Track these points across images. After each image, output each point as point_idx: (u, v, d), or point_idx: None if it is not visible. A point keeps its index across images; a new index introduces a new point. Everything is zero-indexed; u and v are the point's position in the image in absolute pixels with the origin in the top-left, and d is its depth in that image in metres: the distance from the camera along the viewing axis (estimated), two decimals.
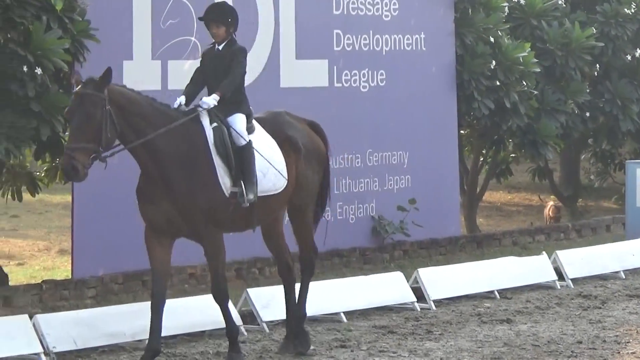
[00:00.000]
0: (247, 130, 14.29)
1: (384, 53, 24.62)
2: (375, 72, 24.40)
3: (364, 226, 24.22)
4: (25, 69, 19.93)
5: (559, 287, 21.90)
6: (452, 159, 26.37)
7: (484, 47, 26.02)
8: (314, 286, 18.60)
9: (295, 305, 16.07)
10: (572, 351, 16.76)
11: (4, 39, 20.01)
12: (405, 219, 24.23)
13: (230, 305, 15.17)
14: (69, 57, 19.82)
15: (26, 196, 23.76)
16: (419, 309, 19.68)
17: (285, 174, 14.55)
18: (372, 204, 24.40)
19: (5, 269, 22.32)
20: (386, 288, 20.09)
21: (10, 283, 21.69)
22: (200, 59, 15.08)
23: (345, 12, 23.88)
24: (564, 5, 27.73)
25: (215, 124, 13.75)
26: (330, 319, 18.99)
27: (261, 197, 14.39)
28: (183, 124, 13.46)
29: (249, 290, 19.00)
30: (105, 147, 12.94)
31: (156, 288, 14.01)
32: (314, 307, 18.47)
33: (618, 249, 24.08)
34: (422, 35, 25.27)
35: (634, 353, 16.54)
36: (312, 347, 15.89)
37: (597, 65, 27.96)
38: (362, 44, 24.37)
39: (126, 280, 21.48)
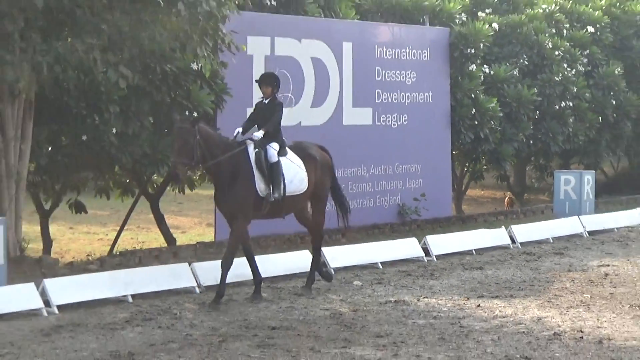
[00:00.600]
0: (281, 153, 15.32)
1: (406, 104, 24.63)
2: (401, 116, 24.48)
3: (393, 210, 24.51)
4: (187, 113, 19.84)
5: (512, 247, 22.33)
6: (447, 169, 26.32)
7: (468, 100, 26.24)
8: (363, 246, 20.35)
9: (317, 258, 16.95)
10: (520, 287, 17.52)
11: (174, 95, 19.69)
12: (418, 206, 24.58)
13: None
14: (213, 106, 20.13)
15: (187, 191, 23.65)
16: (426, 261, 20.29)
17: (307, 181, 15.59)
18: (398, 196, 24.49)
19: (174, 236, 23.33)
20: (406, 248, 20.71)
21: (177, 244, 22.52)
22: (255, 107, 16.17)
23: (383, 79, 23.97)
24: (517, 75, 27.81)
25: (257, 150, 14.80)
26: (371, 267, 19.38)
27: (289, 196, 15.52)
28: (238, 151, 14.75)
29: None
30: (195, 163, 14.22)
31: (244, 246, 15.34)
32: (362, 259, 19.58)
33: (549, 224, 24.52)
34: (430, 94, 25.14)
35: (557, 288, 17.26)
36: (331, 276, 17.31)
37: (537, 112, 28.22)
38: (392, 98, 24.28)
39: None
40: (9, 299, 14.91)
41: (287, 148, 15.48)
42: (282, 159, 15.20)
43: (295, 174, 15.19)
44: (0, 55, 15.99)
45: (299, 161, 15.41)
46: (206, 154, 13.97)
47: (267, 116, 15.11)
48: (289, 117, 21.69)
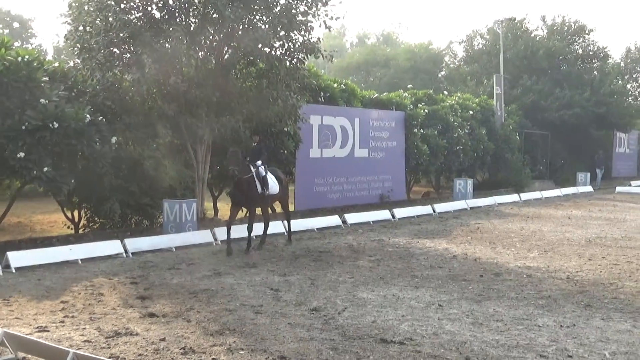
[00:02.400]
0: (265, 171, 13.92)
1: (384, 147, 24.00)
2: (381, 152, 23.80)
3: (376, 197, 23.51)
4: (282, 151, 19.69)
5: (434, 214, 21.10)
6: (403, 178, 25.16)
7: (412, 146, 25.06)
8: (362, 214, 19.57)
9: (289, 230, 15.42)
10: (437, 233, 17.06)
11: (275, 143, 19.03)
12: (389, 195, 23.84)
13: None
14: (293, 148, 19.72)
15: None
16: (393, 220, 19.44)
17: (277, 188, 14.14)
18: (379, 190, 23.70)
19: None
20: (383, 214, 19.75)
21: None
22: (252, 149, 14.05)
23: (373, 134, 23.48)
24: (436, 134, 26.27)
25: (256, 170, 13.50)
26: (367, 223, 18.55)
27: (272, 195, 14.05)
28: (253, 171, 13.60)
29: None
30: (239, 172, 12.99)
31: (229, 224, 13.55)
32: (362, 218, 18.88)
33: (451, 204, 23.06)
34: (395, 142, 24.46)
35: (454, 233, 16.83)
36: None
37: (446, 151, 26.64)
38: (378, 144, 23.77)
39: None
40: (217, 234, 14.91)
41: (267, 170, 14.14)
42: (268, 175, 14.03)
43: (273, 183, 14.02)
44: (196, 124, 16.15)
45: (274, 177, 14.18)
46: (242, 168, 13.12)
47: (258, 152, 13.86)
48: (330, 152, 21.96)
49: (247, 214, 14.72)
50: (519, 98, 36.56)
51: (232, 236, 13.49)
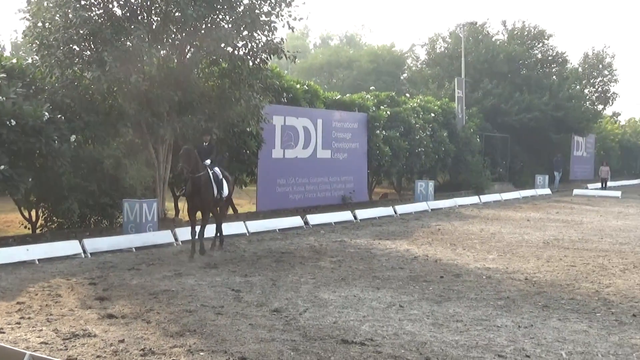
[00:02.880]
0: (222, 174, 13.49)
1: (347, 148, 24.06)
2: (344, 154, 23.82)
3: (339, 198, 23.57)
4: (244, 151, 19.66)
5: (395, 216, 21.10)
6: (365, 179, 25.46)
7: (375, 147, 25.12)
8: (324, 215, 19.48)
9: (221, 233, 14.09)
10: (398, 234, 17.03)
11: (238, 143, 18.98)
12: (351, 196, 23.89)
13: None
14: (256, 148, 19.67)
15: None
16: (354, 221, 19.48)
17: (228, 191, 13.59)
18: (342, 191, 23.67)
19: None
20: (345, 215, 19.73)
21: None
22: (198, 147, 13.20)
23: (335, 136, 23.61)
24: (399, 135, 26.28)
25: (211, 171, 12.91)
26: (329, 224, 18.51)
27: (225, 197, 13.59)
28: (206, 170, 12.79)
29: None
30: (191, 171, 12.23)
31: (192, 227, 12.76)
32: (324, 219, 18.83)
33: (413, 205, 23.32)
34: (358, 144, 24.58)
35: (416, 235, 16.80)
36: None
37: (407, 153, 26.82)
38: (340, 145, 23.86)
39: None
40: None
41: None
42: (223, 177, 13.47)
43: (226, 186, 13.48)
44: (157, 123, 16.00)
45: (223, 178, 13.49)
46: (195, 167, 12.32)
47: (208, 152, 13.15)
48: (293, 153, 21.91)
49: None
50: (480, 101, 37.06)
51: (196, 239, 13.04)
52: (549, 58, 42.18)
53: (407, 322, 8.20)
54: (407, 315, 8.56)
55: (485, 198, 28.17)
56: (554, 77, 41.39)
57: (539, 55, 42.08)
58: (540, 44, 42.22)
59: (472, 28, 40.05)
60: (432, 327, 8.01)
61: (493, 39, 41.62)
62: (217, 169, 13.23)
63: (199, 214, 13.28)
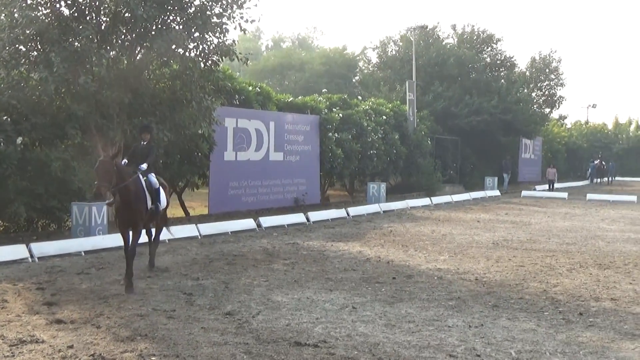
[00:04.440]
0: (158, 180, 11.32)
1: (299, 150, 23.99)
2: (296, 156, 23.73)
3: (291, 200, 23.41)
4: (196, 153, 19.99)
5: (347, 218, 21.12)
6: (317, 181, 25.25)
7: (327, 150, 25.17)
8: (277, 217, 19.34)
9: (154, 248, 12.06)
10: (350, 236, 17.10)
11: (189, 145, 18.59)
12: (303, 198, 23.88)
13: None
14: (207, 150, 19.53)
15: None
16: (307, 224, 19.37)
17: (166, 201, 11.67)
18: (294, 193, 23.61)
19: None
20: (297, 217, 19.63)
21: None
22: (134, 147, 11.37)
23: (288, 138, 23.49)
24: (351, 138, 26.49)
25: (145, 178, 10.67)
26: (281, 227, 18.51)
27: (163, 209, 11.47)
28: (135, 177, 10.35)
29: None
30: (112, 185, 9.71)
31: (125, 244, 10.33)
32: (276, 222, 18.70)
33: (365, 207, 23.28)
34: (310, 146, 24.40)
35: (368, 237, 17.04)
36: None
37: (360, 155, 27.02)
38: (292, 148, 23.67)
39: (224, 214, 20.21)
40: None
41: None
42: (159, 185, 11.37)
43: (163, 196, 11.36)
44: (107, 125, 15.78)
45: (161, 187, 11.49)
46: (118, 179, 9.83)
47: (145, 154, 11.02)
48: (245, 155, 21.82)
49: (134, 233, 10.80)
50: (431, 104, 37.50)
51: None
52: (498, 62, 43.01)
53: (360, 323, 8.23)
54: (360, 316, 8.59)
55: (437, 200, 28.48)
56: (502, 80, 42.15)
57: (488, 59, 42.85)
58: (489, 48, 43.04)
59: (423, 32, 40.45)
60: (385, 328, 8.05)
61: (443, 43, 42.19)
62: (152, 176, 11.18)
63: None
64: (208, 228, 16.81)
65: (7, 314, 8.40)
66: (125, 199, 10.22)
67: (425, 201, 27.73)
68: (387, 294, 10.11)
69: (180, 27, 16.02)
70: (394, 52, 42.85)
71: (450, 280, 11.30)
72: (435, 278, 11.49)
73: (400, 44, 42.36)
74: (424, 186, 32.00)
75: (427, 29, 40.97)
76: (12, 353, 6.76)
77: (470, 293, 10.28)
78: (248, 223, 18.18)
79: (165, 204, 11.78)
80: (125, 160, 10.92)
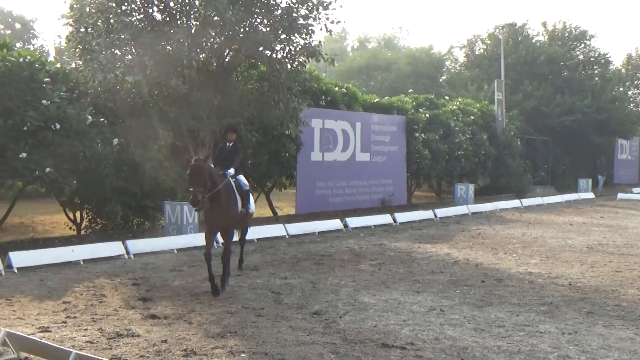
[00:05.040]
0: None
1: (385, 151, 24.08)
2: (383, 157, 23.87)
3: (377, 201, 23.61)
4: (283, 154, 19.96)
5: (435, 219, 20.99)
6: (403, 182, 25.40)
7: (414, 150, 25.12)
8: (364, 218, 19.38)
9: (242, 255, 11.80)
10: (438, 238, 16.98)
11: (277, 146, 19.16)
12: (390, 199, 23.99)
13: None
14: (295, 151, 19.83)
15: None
16: (394, 225, 19.38)
17: (253, 205, 11.34)
18: (380, 194, 23.73)
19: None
20: (384, 218, 19.62)
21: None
22: (220, 148, 10.89)
23: (374, 139, 23.66)
24: (438, 138, 26.46)
25: (233, 180, 10.15)
26: (368, 227, 18.62)
27: (251, 212, 11.20)
28: (226, 181, 9.91)
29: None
30: (207, 190, 9.26)
31: (209, 251, 9.66)
32: (364, 222, 18.80)
33: (453, 208, 23.17)
34: (397, 147, 24.55)
35: (456, 239, 16.92)
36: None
37: (447, 156, 26.80)
38: (379, 148, 23.85)
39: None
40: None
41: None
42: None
43: (251, 199, 11.14)
44: (197, 126, 16.16)
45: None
46: (211, 183, 9.43)
47: (232, 155, 10.52)
48: (332, 156, 21.97)
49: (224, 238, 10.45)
50: (520, 103, 36.63)
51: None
52: (591, 59, 41.47)
53: (448, 326, 8.11)
54: (448, 319, 8.47)
55: (527, 202, 27.84)
56: (596, 78, 40.69)
57: (581, 57, 41.39)
58: (582, 45, 41.56)
59: (512, 29, 39.59)
60: (474, 332, 7.91)
61: (533, 40, 41.08)
62: (241, 178, 10.80)
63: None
64: (295, 228, 17.00)
65: (105, 308, 8.73)
66: (217, 203, 9.69)
67: (515, 203, 27.10)
68: (475, 297, 9.94)
69: (267, 29, 16.24)
70: (481, 51, 42.12)
71: (542, 285, 10.99)
72: (526, 282, 11.22)
73: (488, 42, 41.57)
74: (514, 188, 31.28)
75: (516, 27, 40.07)
76: (109, 345, 7.00)
77: (564, 298, 9.95)
78: (335, 223, 18.28)
79: (253, 207, 11.42)
80: (210, 162, 10.24)
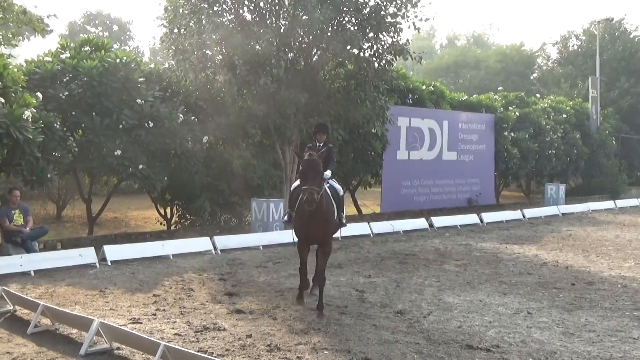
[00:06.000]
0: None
1: (472, 150, 23.67)
2: (470, 155, 23.43)
3: (464, 200, 23.13)
4: (369, 152, 20.00)
5: (523, 219, 20.62)
6: (492, 181, 24.87)
7: (502, 149, 24.58)
8: (449, 217, 19.16)
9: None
10: (526, 239, 16.64)
11: (363, 144, 19.19)
12: (477, 198, 23.47)
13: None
14: (381, 150, 19.82)
15: None
16: (480, 225, 19.11)
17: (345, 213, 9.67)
18: (467, 193, 23.29)
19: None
20: (470, 218, 19.34)
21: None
22: (309, 151, 8.82)
23: (462, 138, 23.27)
24: (527, 137, 25.85)
25: (328, 184, 8.76)
26: (454, 227, 18.40)
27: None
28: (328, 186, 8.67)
29: None
30: (322, 190, 8.29)
31: (304, 264, 8.93)
32: (449, 222, 18.62)
33: (542, 209, 22.54)
34: (485, 145, 24.11)
35: (545, 240, 16.48)
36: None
37: (537, 155, 26.21)
38: (466, 147, 23.47)
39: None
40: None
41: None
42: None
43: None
44: (284, 124, 16.36)
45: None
46: (320, 187, 8.29)
47: (326, 158, 8.81)
48: (418, 154, 21.82)
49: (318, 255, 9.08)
50: (616, 101, 35.39)
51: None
52: None
53: (536, 329, 7.95)
54: (535, 322, 8.30)
55: (621, 203, 26.90)
56: None
57: None
58: None
59: (608, 24, 38.28)
60: (563, 336, 7.71)
61: (631, 36, 39.57)
62: (335, 182, 9.48)
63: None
64: (380, 227, 16.97)
65: (193, 302, 8.95)
66: (315, 211, 8.30)
67: (608, 204, 26.22)
68: (565, 300, 9.69)
69: (355, 27, 16.23)
70: (575, 47, 40.92)
71: (636, 289, 10.60)
72: (619, 286, 10.86)
73: (583, 38, 40.34)
74: (608, 188, 30.24)
75: (613, 22, 38.74)
76: (197, 339, 7.18)
77: None
78: (420, 222, 18.16)
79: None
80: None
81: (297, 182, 8.89)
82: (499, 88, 33.17)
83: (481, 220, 19.74)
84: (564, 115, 29.18)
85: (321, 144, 9.36)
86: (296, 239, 9.10)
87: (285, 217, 9.40)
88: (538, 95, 33.11)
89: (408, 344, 7.15)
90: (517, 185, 30.95)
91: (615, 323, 8.37)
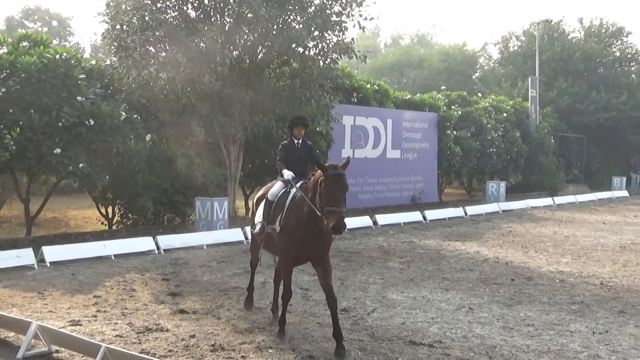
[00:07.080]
0: None
1: (416, 148, 24.01)
2: (414, 154, 23.75)
3: (408, 198, 23.35)
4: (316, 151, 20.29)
5: (465, 217, 20.93)
6: (435, 179, 25.12)
7: (445, 148, 24.85)
8: (393, 215, 19.33)
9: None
10: (468, 236, 16.86)
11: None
12: (420, 196, 23.73)
13: None
14: (325, 148, 19.47)
15: None
16: (424, 222, 19.31)
17: None
18: (411, 191, 23.48)
19: None
20: (414, 216, 19.54)
21: None
22: (285, 148, 7.92)
23: (405, 136, 23.59)
24: (469, 135, 26.19)
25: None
26: (397, 225, 18.52)
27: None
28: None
29: None
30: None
31: (289, 285, 7.29)
32: (393, 219, 18.72)
33: (483, 206, 22.95)
34: (428, 144, 24.42)
35: (486, 236, 16.65)
36: None
37: (479, 153, 26.42)
38: (410, 145, 23.73)
39: None
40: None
41: None
42: None
43: None
44: (229, 122, 16.26)
45: None
46: None
47: (304, 156, 7.92)
48: (362, 153, 21.93)
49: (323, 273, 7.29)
50: (554, 101, 36.22)
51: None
52: (628, 56, 40.72)
53: (477, 324, 8.06)
54: (476, 317, 8.42)
55: (559, 200, 27.58)
56: (632, 75, 40.08)
57: (617, 53, 40.67)
58: (619, 42, 40.85)
59: (547, 26, 39.16)
60: (503, 330, 7.83)
61: (569, 37, 40.56)
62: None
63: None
64: None
65: (135, 303, 8.82)
66: (316, 228, 6.92)
67: (547, 201, 26.87)
68: (505, 295, 9.84)
69: (300, 26, 16.23)
70: (516, 48, 41.74)
71: (573, 284, 10.85)
72: (557, 281, 11.09)
73: (523, 39, 41.19)
74: (546, 186, 30.95)
75: (552, 23, 39.63)
76: (139, 340, 7.06)
77: (595, 298, 9.82)
78: (364, 220, 18.21)
79: None
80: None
81: (275, 188, 7.71)
82: (442, 87, 33.58)
83: (424, 217, 19.89)
84: (505, 115, 29.70)
85: (299, 141, 8.02)
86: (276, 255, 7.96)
87: (258, 229, 7.74)
88: (480, 94, 33.65)
89: (352, 341, 7.14)
90: (459, 183, 31.40)
91: (553, 317, 8.53)
